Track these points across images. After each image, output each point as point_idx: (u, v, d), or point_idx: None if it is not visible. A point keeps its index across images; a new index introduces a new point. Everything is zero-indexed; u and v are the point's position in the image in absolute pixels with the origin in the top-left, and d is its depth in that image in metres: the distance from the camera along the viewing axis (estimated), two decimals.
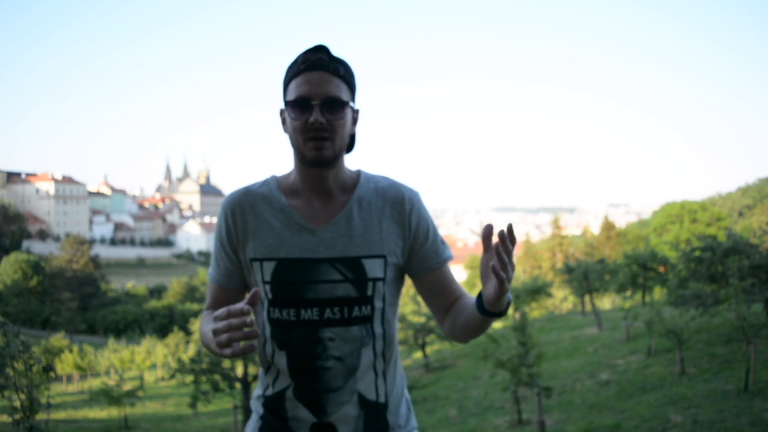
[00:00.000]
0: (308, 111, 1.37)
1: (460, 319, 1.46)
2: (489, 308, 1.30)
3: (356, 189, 1.49)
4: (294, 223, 1.45)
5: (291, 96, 1.39)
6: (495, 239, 1.21)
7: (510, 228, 1.20)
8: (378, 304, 1.47)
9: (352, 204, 1.46)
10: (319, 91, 1.37)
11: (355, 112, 1.48)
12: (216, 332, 1.20)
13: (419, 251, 1.50)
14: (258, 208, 1.47)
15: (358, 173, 1.53)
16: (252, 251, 1.45)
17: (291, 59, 1.44)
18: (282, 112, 1.48)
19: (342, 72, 1.41)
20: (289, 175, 1.52)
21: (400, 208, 1.48)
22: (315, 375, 1.44)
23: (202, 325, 1.47)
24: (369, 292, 1.45)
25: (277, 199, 1.48)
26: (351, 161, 1.56)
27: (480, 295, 1.34)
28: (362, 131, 1.56)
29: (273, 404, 1.51)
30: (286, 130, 1.47)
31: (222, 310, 1.20)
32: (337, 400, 1.45)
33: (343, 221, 1.45)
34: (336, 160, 1.43)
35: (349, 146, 1.52)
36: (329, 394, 1.44)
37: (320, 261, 1.43)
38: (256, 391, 1.59)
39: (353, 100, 1.45)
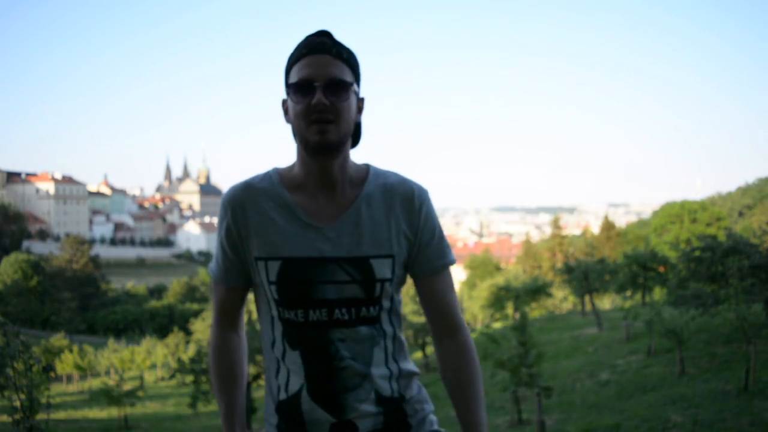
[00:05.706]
0: (311, 93, 1.33)
1: (454, 401, 1.49)
2: None
3: (365, 185, 1.43)
4: (298, 220, 1.39)
5: (293, 79, 1.36)
6: None
7: None
8: (386, 304, 1.44)
9: (360, 201, 1.41)
10: (321, 72, 1.33)
11: (360, 100, 1.43)
12: None
13: (425, 250, 1.46)
14: (260, 205, 1.41)
15: (367, 168, 1.47)
16: (256, 250, 1.40)
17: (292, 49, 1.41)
18: (284, 102, 1.43)
19: (345, 56, 1.37)
20: (291, 168, 1.46)
21: (409, 205, 1.43)
22: (331, 375, 1.41)
23: (217, 354, 1.51)
24: (377, 293, 1.41)
25: (280, 195, 1.41)
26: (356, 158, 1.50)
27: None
28: (364, 127, 1.51)
29: (288, 409, 1.45)
30: (288, 120, 1.43)
31: None
32: (354, 398, 1.42)
33: (350, 219, 1.39)
34: (341, 146, 1.37)
35: (356, 138, 1.47)
36: (347, 393, 1.41)
37: (327, 261, 1.38)
38: (266, 399, 1.52)
39: (358, 85, 1.41)
